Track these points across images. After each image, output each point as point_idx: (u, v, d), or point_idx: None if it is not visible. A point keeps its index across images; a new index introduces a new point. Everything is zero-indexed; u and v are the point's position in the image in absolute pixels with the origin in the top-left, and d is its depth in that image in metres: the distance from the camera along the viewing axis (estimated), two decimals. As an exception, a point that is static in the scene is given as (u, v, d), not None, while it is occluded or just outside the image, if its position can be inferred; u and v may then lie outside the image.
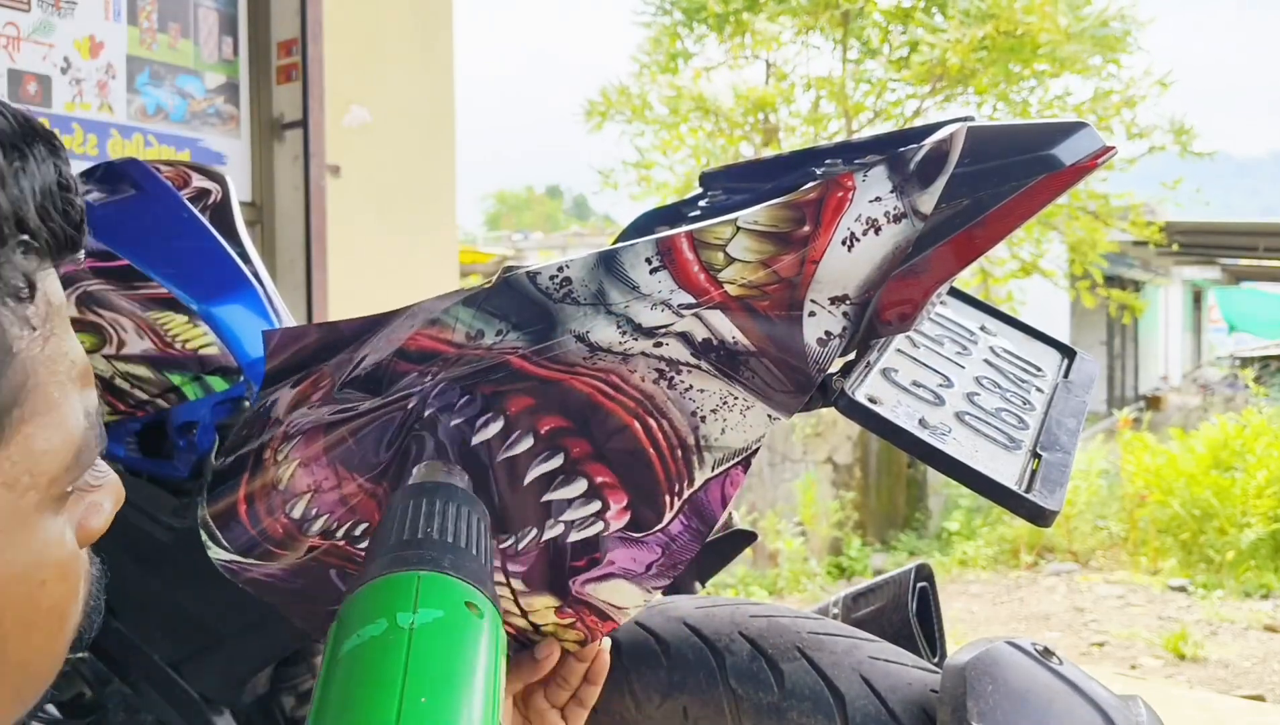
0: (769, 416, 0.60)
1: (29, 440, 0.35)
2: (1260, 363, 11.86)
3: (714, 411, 0.60)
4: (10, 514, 0.35)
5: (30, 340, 0.35)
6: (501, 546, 0.67)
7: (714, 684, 0.78)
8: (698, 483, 0.62)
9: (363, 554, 0.69)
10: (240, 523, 0.69)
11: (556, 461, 0.62)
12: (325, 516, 0.67)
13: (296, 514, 0.66)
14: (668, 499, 0.63)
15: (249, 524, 0.68)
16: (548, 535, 0.66)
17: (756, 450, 0.63)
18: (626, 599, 0.68)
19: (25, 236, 0.35)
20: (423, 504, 0.52)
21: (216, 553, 0.70)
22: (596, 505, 0.64)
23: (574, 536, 0.66)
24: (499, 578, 0.69)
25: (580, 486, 0.63)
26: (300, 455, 0.65)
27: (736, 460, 0.62)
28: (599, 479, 0.62)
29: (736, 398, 0.59)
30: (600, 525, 0.64)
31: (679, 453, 0.61)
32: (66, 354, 0.38)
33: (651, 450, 0.61)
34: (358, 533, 0.68)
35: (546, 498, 0.64)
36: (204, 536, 0.71)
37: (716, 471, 0.62)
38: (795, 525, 5.73)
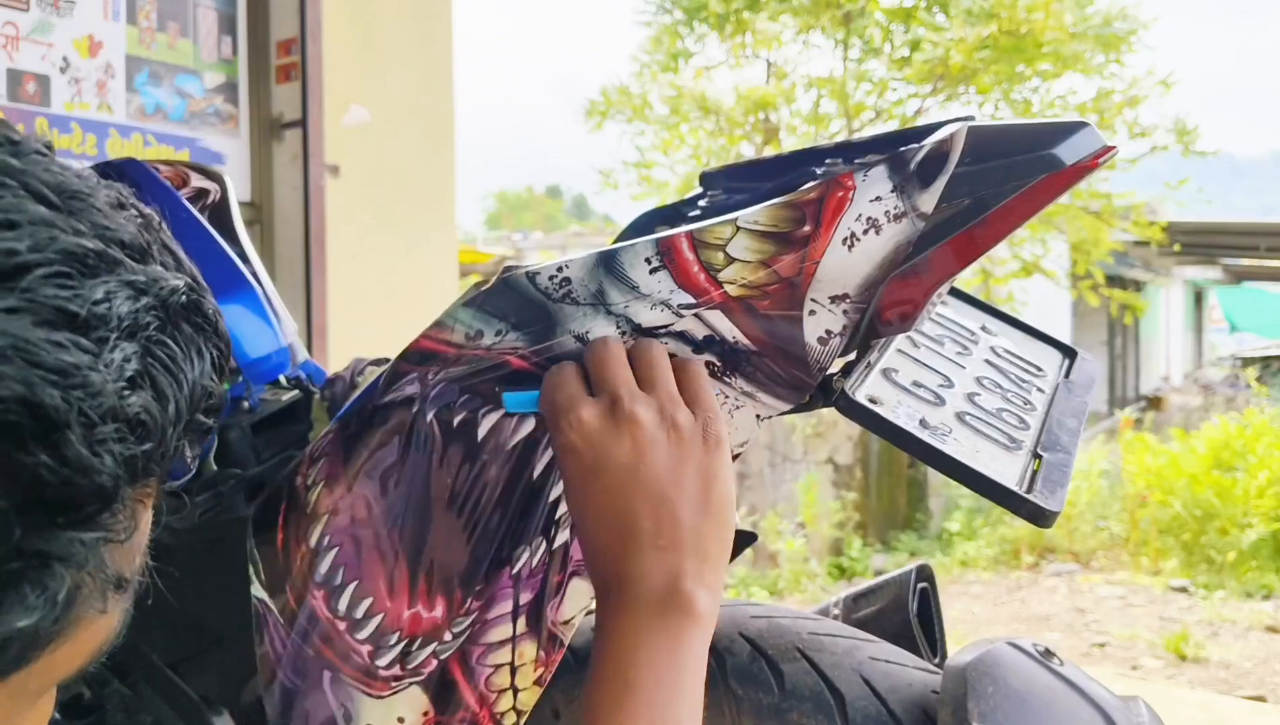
0: (756, 417, 0.60)
1: (53, 661, 0.33)
2: (1262, 363, 11.85)
3: None
4: (3, 714, 0.34)
5: (100, 614, 0.33)
6: (514, 569, 0.65)
7: (714, 684, 0.77)
8: None
9: (359, 641, 0.65)
10: (278, 561, 0.68)
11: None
12: (335, 550, 0.65)
13: (313, 542, 0.66)
14: None
15: (283, 562, 0.68)
16: (557, 544, 0.65)
17: (742, 451, 0.62)
18: (579, 603, 0.66)
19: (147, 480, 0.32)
20: None
21: (257, 589, 0.69)
22: None
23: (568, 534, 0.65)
24: (505, 614, 0.65)
25: None
26: (325, 475, 0.65)
27: None
28: None
29: (726, 398, 0.59)
30: None
31: None
32: (130, 586, 0.35)
33: None
34: (359, 613, 0.65)
35: (553, 496, 0.63)
36: (250, 570, 0.70)
37: None
38: (796, 526, 5.72)
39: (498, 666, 0.67)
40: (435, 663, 0.66)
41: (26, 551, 0.29)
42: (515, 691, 0.67)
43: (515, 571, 0.64)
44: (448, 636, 0.65)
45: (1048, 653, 0.70)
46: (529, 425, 0.62)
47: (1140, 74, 6.99)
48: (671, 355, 0.56)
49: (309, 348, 2.40)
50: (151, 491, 0.34)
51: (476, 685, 0.67)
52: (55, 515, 0.29)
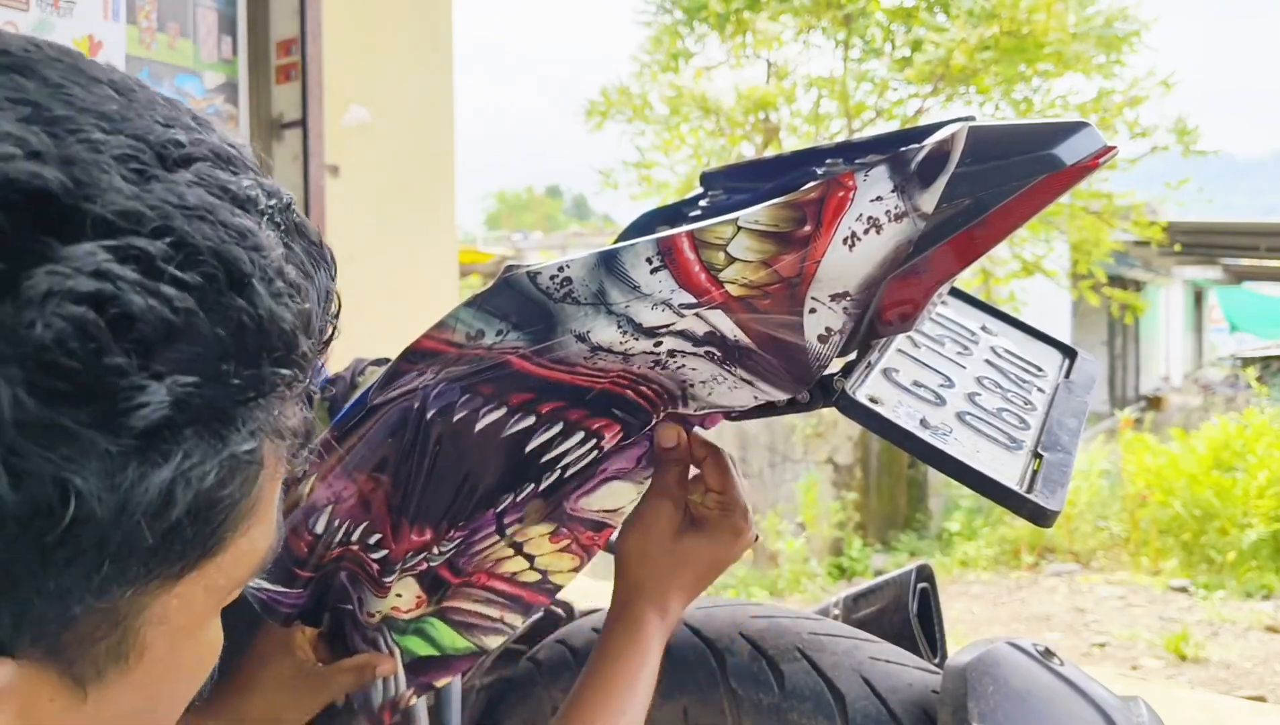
0: (754, 397, 0.62)
1: (240, 549, 0.36)
2: (1262, 363, 11.85)
3: (703, 382, 0.63)
4: (201, 614, 0.37)
5: (272, 477, 0.37)
6: (499, 509, 0.71)
7: (714, 684, 0.77)
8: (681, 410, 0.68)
9: (373, 559, 0.70)
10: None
11: (556, 428, 0.66)
12: (346, 524, 0.68)
13: (320, 529, 0.68)
14: (655, 417, 0.68)
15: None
16: (545, 485, 0.71)
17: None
18: (621, 498, 0.73)
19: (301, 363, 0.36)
20: None
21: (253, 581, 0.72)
22: (592, 442, 0.68)
23: (570, 472, 0.71)
24: (492, 535, 0.73)
25: (577, 437, 0.67)
26: (316, 470, 0.66)
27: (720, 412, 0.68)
28: (595, 426, 0.67)
29: (726, 378, 0.61)
30: (596, 453, 0.70)
31: (667, 400, 0.66)
32: (283, 463, 0.39)
33: (643, 402, 0.66)
34: (371, 541, 0.69)
35: (546, 458, 0.68)
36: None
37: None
38: (796, 526, 5.72)
39: (487, 552, 0.75)
40: (426, 565, 0.74)
41: (242, 379, 0.33)
42: (530, 558, 0.75)
43: (499, 510, 0.71)
44: (435, 552, 0.73)
45: (1048, 653, 0.70)
46: (529, 419, 0.64)
47: (1141, 74, 7.00)
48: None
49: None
50: (306, 372, 0.37)
51: (464, 573, 0.76)
52: (259, 353, 0.33)
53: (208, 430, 0.32)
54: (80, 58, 0.36)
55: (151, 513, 0.31)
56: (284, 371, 0.34)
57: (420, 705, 0.83)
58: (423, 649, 0.79)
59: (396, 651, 0.78)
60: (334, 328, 0.40)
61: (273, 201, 0.36)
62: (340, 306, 0.41)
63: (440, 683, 0.80)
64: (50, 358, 0.28)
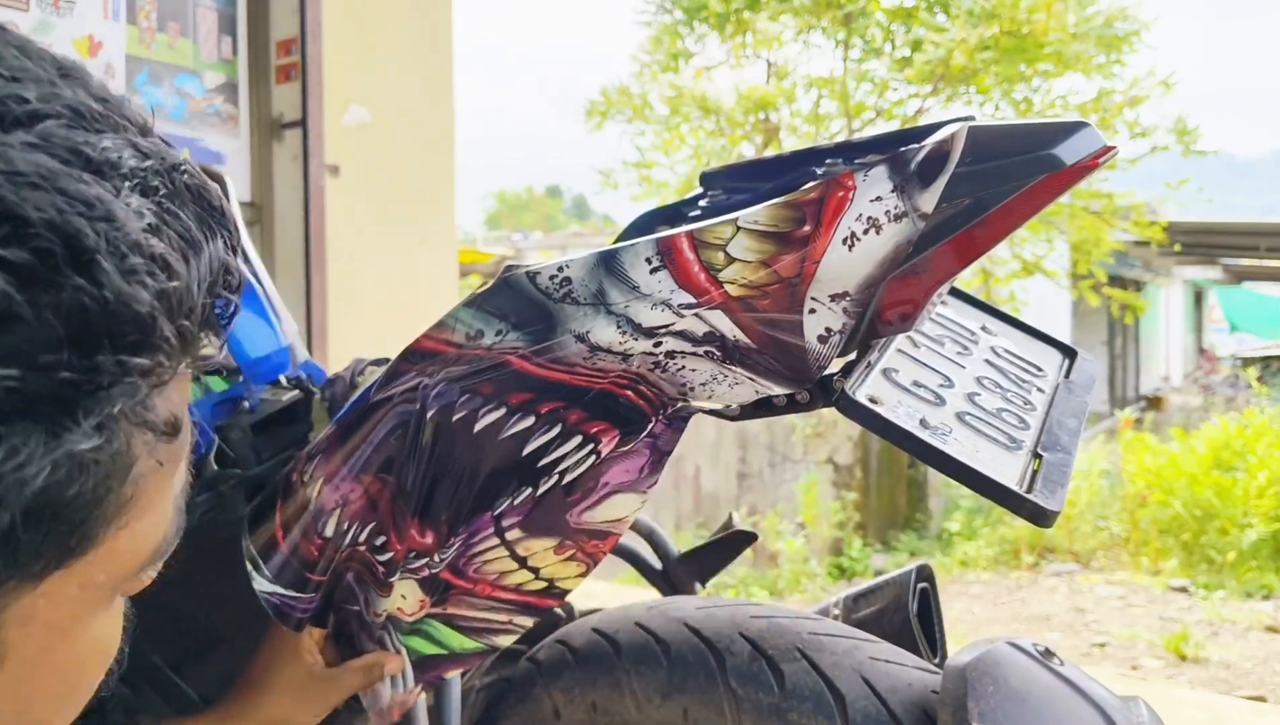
0: (755, 391, 0.62)
1: (117, 545, 0.33)
2: (1262, 363, 11.85)
3: (703, 384, 0.63)
4: (78, 612, 0.34)
5: (153, 470, 0.34)
6: (496, 512, 0.71)
7: (714, 685, 0.77)
8: (680, 406, 0.68)
9: (379, 561, 0.71)
10: (279, 550, 0.71)
11: (555, 431, 0.66)
12: (355, 525, 0.68)
13: (329, 532, 0.68)
14: (653, 419, 0.68)
15: (287, 550, 0.70)
16: (542, 490, 0.70)
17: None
18: (624, 509, 0.72)
19: (173, 342, 0.32)
20: None
21: (261, 584, 0.72)
22: (589, 448, 0.68)
23: (569, 478, 0.70)
24: (490, 538, 0.73)
25: (575, 442, 0.67)
26: (323, 472, 0.66)
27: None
28: (593, 430, 0.66)
29: (727, 376, 0.60)
30: (594, 459, 0.69)
31: (666, 403, 0.66)
32: (179, 455, 0.36)
33: (642, 402, 0.66)
34: (378, 542, 0.70)
35: (544, 462, 0.67)
36: (249, 568, 0.73)
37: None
38: (796, 526, 5.72)
39: (488, 561, 0.74)
40: (429, 572, 0.74)
41: (77, 370, 0.29)
42: (534, 570, 0.74)
43: (497, 513, 0.71)
44: (437, 558, 0.73)
45: (1048, 653, 0.70)
46: (528, 420, 0.64)
47: (1141, 74, 6.99)
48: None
49: (309, 348, 2.40)
50: (187, 356, 0.34)
51: (466, 576, 0.75)
52: (100, 340, 0.29)
53: (35, 427, 0.28)
54: None
55: None
56: (138, 360, 0.30)
57: (420, 705, 0.83)
58: (429, 649, 0.79)
59: (403, 650, 0.79)
60: (233, 304, 0.36)
61: (147, 163, 0.33)
62: (240, 281, 0.36)
63: (448, 674, 0.81)
64: None
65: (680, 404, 0.67)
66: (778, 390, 0.61)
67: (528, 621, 0.78)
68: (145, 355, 0.31)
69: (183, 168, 0.34)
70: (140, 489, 0.33)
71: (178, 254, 0.32)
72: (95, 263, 0.29)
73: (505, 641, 0.79)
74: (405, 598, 0.76)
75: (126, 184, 0.31)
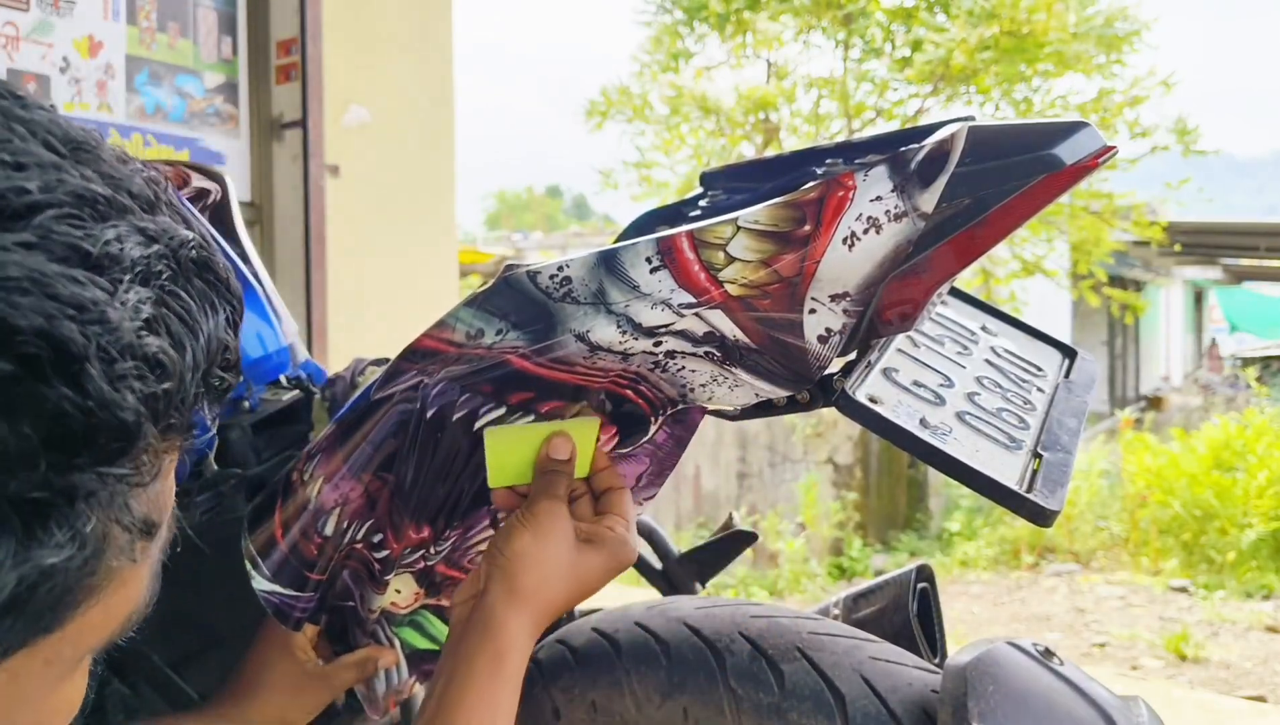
0: (755, 394, 0.62)
1: (88, 620, 0.33)
2: (1262, 363, 11.85)
3: (703, 386, 0.63)
4: (40, 685, 0.34)
5: (129, 559, 0.33)
6: (493, 505, 0.72)
7: (714, 684, 0.77)
8: (681, 407, 0.68)
9: (376, 558, 0.71)
10: (278, 549, 0.71)
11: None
12: (354, 524, 0.69)
13: (329, 531, 0.68)
14: (653, 420, 0.68)
15: (286, 549, 0.70)
16: None
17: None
18: None
19: (170, 425, 0.32)
20: None
21: (260, 583, 0.72)
22: None
23: None
24: (487, 530, 0.74)
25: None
26: (323, 471, 0.66)
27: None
28: None
29: (727, 377, 0.61)
30: None
31: (666, 403, 0.66)
32: (159, 535, 0.35)
33: (642, 403, 0.66)
34: (375, 539, 0.70)
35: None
36: (249, 567, 0.73)
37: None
38: (796, 526, 5.72)
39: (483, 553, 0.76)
40: (424, 564, 0.74)
41: (53, 485, 0.29)
42: None
43: (494, 507, 0.72)
44: (433, 551, 0.73)
45: (1048, 653, 0.70)
46: (528, 419, 0.65)
47: (1141, 74, 7.00)
48: None
49: (309, 348, 2.40)
50: (175, 442, 0.34)
51: (461, 567, 0.76)
52: (79, 450, 0.29)
53: (5, 538, 0.28)
54: None
55: None
56: (117, 469, 0.30)
57: (420, 706, 0.83)
58: (423, 643, 0.79)
59: (397, 644, 0.79)
60: (227, 382, 0.36)
61: (152, 249, 0.32)
62: (239, 359, 0.36)
63: None
64: None
65: (681, 406, 0.68)
66: (777, 393, 0.61)
67: None
68: (126, 463, 0.30)
69: (190, 244, 0.34)
70: (114, 575, 0.32)
71: (175, 345, 0.32)
72: (83, 370, 0.28)
73: None
74: (400, 592, 0.77)
75: (126, 277, 0.31)
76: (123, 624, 0.35)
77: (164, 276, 0.32)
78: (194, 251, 0.34)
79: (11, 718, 0.34)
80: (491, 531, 0.74)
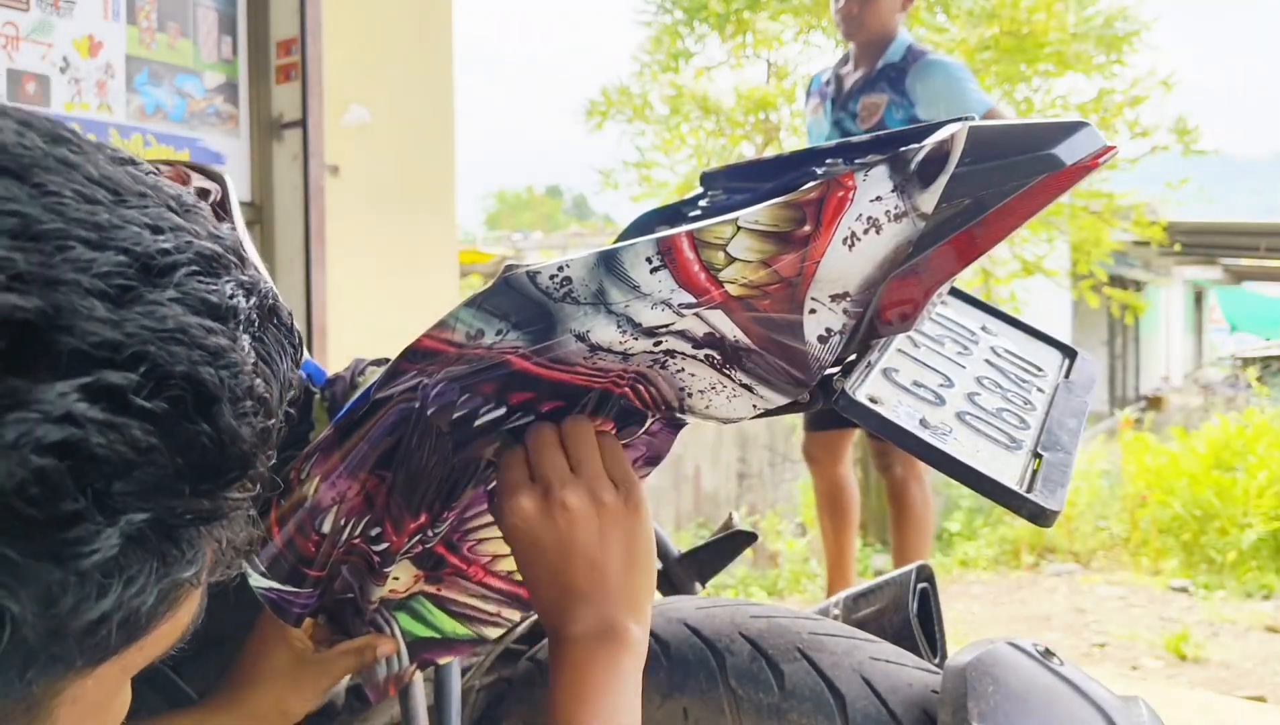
0: (753, 406, 0.62)
1: (161, 631, 0.37)
2: (1262, 363, 11.85)
3: (702, 392, 0.63)
4: (114, 688, 0.38)
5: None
6: (490, 487, 0.72)
7: (714, 685, 0.77)
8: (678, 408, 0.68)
9: (375, 551, 0.71)
10: (272, 545, 0.71)
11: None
12: (352, 521, 0.69)
13: (326, 529, 0.68)
14: (650, 416, 0.69)
15: (281, 545, 0.71)
16: None
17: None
18: None
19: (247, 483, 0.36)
20: None
21: (257, 580, 0.72)
22: None
23: None
24: (485, 513, 0.73)
25: None
26: (320, 470, 0.67)
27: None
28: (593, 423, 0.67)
29: (725, 386, 0.60)
30: None
31: (666, 406, 0.66)
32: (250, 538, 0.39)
33: (639, 402, 0.66)
34: (374, 533, 0.70)
35: None
36: (244, 564, 0.73)
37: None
38: (796, 526, 5.72)
39: (483, 540, 0.76)
40: (422, 548, 0.75)
41: (191, 509, 0.33)
42: None
43: (491, 488, 0.71)
44: (431, 533, 0.73)
45: (1048, 653, 0.70)
46: (528, 419, 0.65)
47: (1141, 74, 6.99)
48: (598, 432, 0.65)
49: (309, 348, 2.40)
50: (259, 485, 0.38)
51: (460, 553, 0.76)
52: (212, 479, 0.34)
53: (153, 558, 0.33)
54: (74, 144, 0.36)
55: (82, 632, 0.31)
56: (236, 496, 0.35)
57: (420, 706, 0.83)
58: (422, 630, 0.79)
59: (397, 630, 0.79)
60: (294, 418, 0.41)
61: (251, 301, 0.37)
62: (299, 396, 0.42)
63: (442, 660, 0.82)
64: (8, 502, 0.29)
65: (679, 414, 0.67)
66: (778, 401, 0.61)
67: (515, 614, 0.80)
68: (242, 490, 0.36)
69: (270, 294, 0.39)
70: (187, 594, 0.37)
71: (267, 386, 0.37)
72: (218, 409, 0.33)
73: (493, 633, 0.80)
74: (399, 578, 0.77)
75: (239, 328, 0.36)
76: (178, 637, 0.39)
77: (256, 326, 0.37)
78: (270, 301, 0.39)
79: (91, 721, 0.37)
80: (490, 517, 0.74)
